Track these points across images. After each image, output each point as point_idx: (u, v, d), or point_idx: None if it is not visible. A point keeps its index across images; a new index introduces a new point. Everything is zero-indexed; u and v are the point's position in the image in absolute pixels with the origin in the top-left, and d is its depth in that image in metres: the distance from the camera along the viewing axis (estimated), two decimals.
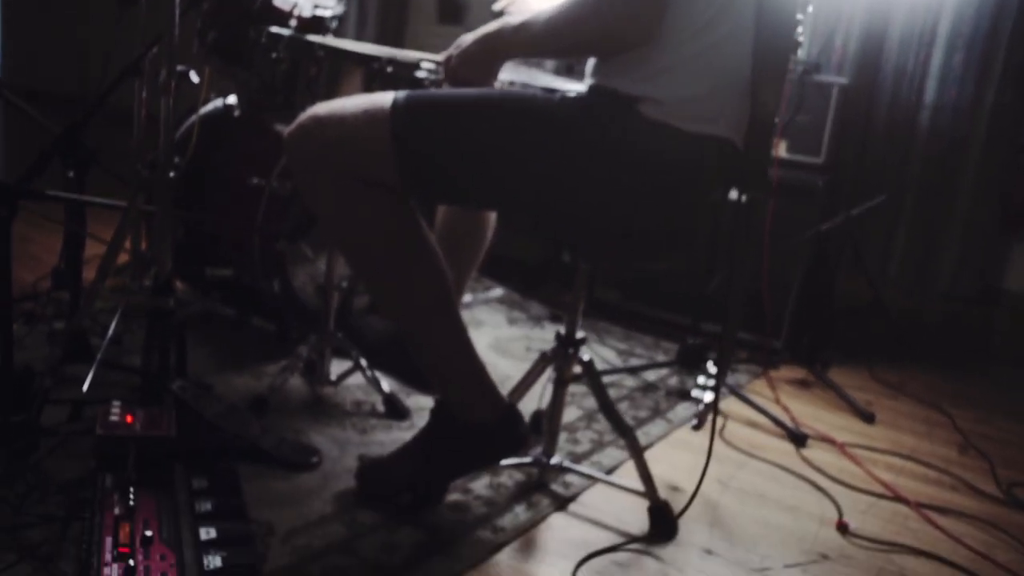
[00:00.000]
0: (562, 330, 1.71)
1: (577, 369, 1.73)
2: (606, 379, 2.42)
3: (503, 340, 2.62)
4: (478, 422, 1.56)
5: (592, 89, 1.47)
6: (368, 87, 1.74)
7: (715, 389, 1.84)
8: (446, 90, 1.50)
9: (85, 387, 1.75)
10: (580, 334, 1.71)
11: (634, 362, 2.59)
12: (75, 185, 1.88)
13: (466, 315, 2.82)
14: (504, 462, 1.74)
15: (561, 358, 1.70)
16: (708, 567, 1.60)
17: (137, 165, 1.69)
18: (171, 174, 1.66)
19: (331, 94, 1.74)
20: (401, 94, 1.42)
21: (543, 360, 1.73)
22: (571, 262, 1.67)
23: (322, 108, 1.44)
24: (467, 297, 3.01)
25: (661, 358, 2.64)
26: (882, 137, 3.94)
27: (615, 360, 2.61)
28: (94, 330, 2.09)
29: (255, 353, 2.24)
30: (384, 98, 1.42)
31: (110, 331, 1.89)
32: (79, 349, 1.91)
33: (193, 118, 2.14)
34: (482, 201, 1.54)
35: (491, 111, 1.41)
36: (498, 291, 3.06)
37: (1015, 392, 2.91)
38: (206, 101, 2.24)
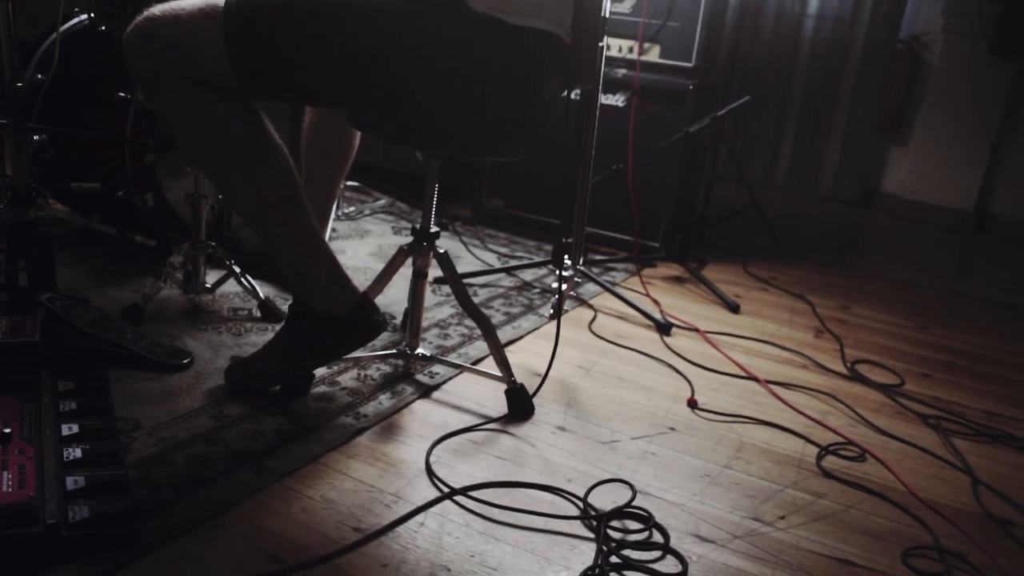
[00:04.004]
0: (418, 225, 1.79)
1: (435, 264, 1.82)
2: (483, 280, 2.53)
3: (386, 247, 2.70)
4: (334, 313, 1.64)
5: None
6: None
7: (560, 277, 1.94)
8: None
9: None
10: (434, 228, 1.79)
11: (514, 264, 2.69)
12: None
13: (352, 226, 2.89)
14: (360, 352, 1.82)
15: (417, 252, 1.79)
16: (559, 441, 1.72)
17: None
18: (19, 84, 1.66)
19: None
20: None
21: (400, 254, 1.81)
22: (423, 160, 1.73)
23: (158, 8, 1.46)
24: (350, 208, 3.06)
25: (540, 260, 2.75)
26: (768, 45, 4.07)
27: (495, 263, 2.70)
28: None
29: (134, 269, 2.27)
30: None
31: None
32: None
33: (54, 34, 2.12)
34: (320, 99, 1.60)
35: (321, 8, 1.45)
36: (383, 201, 3.12)
37: (876, 282, 3.10)
38: (68, 17, 2.22)
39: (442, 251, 1.79)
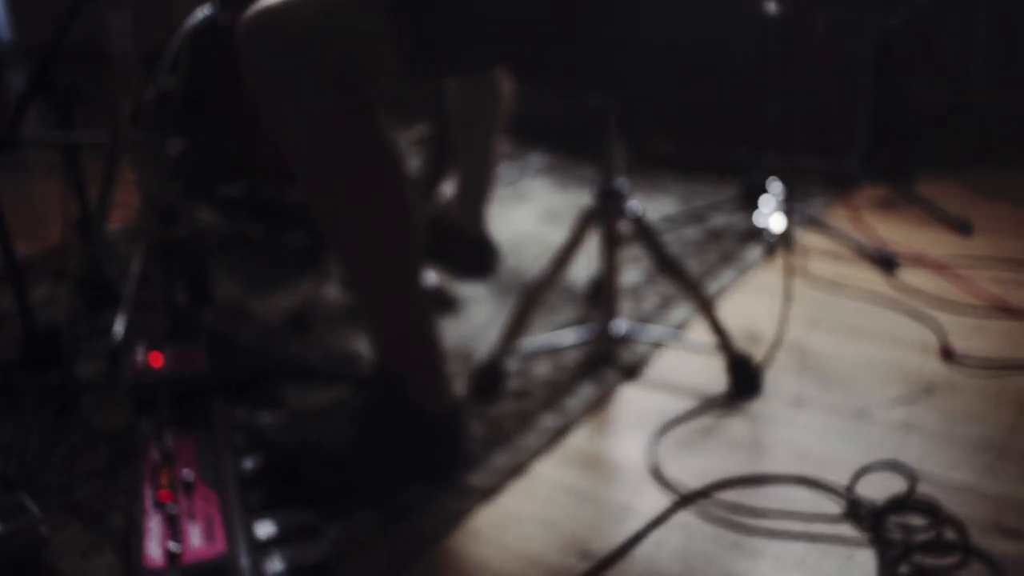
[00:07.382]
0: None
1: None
2: (669, 235, 2.24)
3: (554, 209, 2.43)
4: (428, 406, 1.31)
5: None
6: None
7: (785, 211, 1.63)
8: None
9: (115, 333, 1.68)
10: (621, 185, 1.53)
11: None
12: (60, 129, 1.75)
13: (510, 192, 2.65)
14: (552, 335, 1.59)
15: (605, 214, 1.53)
16: (801, 418, 1.45)
17: (115, 94, 1.54)
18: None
19: None
20: None
21: (584, 218, 1.54)
22: (601, 109, 1.47)
23: None
24: (514, 172, 2.82)
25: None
26: None
27: (675, 208, 2.40)
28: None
29: (290, 271, 2.13)
30: None
31: (131, 273, 1.80)
32: (107, 299, 1.82)
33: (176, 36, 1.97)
34: (496, 56, 1.27)
35: None
36: (541, 158, 2.84)
37: None
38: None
39: (636, 211, 1.53)
